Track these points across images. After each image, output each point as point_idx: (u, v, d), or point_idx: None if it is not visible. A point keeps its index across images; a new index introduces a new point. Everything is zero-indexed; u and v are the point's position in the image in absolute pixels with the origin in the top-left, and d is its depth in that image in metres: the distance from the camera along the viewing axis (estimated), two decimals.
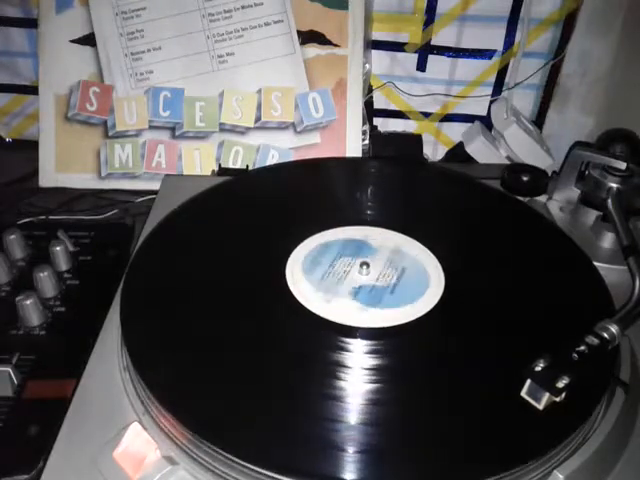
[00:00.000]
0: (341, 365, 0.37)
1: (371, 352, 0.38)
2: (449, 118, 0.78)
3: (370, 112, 0.76)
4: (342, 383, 0.36)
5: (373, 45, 0.73)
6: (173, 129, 0.70)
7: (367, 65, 0.72)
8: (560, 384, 0.33)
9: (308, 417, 0.34)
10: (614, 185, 0.52)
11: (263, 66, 0.69)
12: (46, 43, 0.68)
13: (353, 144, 0.69)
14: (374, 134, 0.74)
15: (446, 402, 0.35)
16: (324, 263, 0.46)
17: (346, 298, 0.42)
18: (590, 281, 0.44)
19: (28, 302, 0.46)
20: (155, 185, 0.62)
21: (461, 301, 0.43)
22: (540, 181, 0.58)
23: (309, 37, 0.68)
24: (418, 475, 0.32)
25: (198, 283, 0.44)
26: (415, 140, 0.69)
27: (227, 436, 0.32)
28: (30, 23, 0.72)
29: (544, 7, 0.70)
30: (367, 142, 0.71)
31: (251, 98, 0.69)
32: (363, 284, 0.44)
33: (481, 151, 0.75)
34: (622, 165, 0.52)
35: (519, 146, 0.72)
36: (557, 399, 0.33)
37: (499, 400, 0.35)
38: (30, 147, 0.71)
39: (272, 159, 0.70)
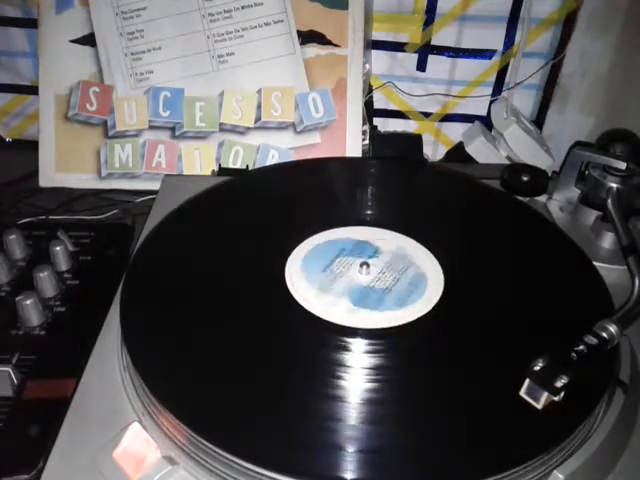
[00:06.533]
0: (341, 365, 0.37)
1: (371, 352, 0.38)
2: (449, 118, 0.78)
3: (370, 112, 0.76)
4: (342, 383, 0.36)
5: (373, 45, 0.73)
6: (173, 129, 0.69)
7: (367, 65, 0.71)
8: (559, 384, 0.33)
9: (308, 417, 0.34)
10: (614, 185, 0.52)
11: (263, 66, 0.69)
12: (46, 43, 0.68)
13: (353, 144, 0.69)
14: (374, 134, 0.74)
15: (446, 402, 0.35)
16: (324, 264, 0.46)
17: (346, 298, 0.42)
18: (590, 281, 0.44)
19: (28, 302, 0.46)
20: (155, 185, 0.61)
21: (461, 301, 0.43)
22: (540, 181, 0.58)
23: (309, 37, 0.68)
24: (418, 475, 0.32)
25: (198, 283, 0.44)
26: (415, 140, 0.69)
27: (227, 436, 0.32)
28: (30, 23, 0.72)
29: (544, 7, 0.70)
30: (367, 142, 0.71)
31: (251, 98, 0.69)
32: (363, 284, 0.44)
33: (481, 151, 0.75)
34: (622, 165, 0.52)
35: (519, 146, 0.72)
36: (556, 398, 0.33)
37: (499, 400, 0.35)
38: (30, 147, 0.71)
39: (272, 159, 0.70)
